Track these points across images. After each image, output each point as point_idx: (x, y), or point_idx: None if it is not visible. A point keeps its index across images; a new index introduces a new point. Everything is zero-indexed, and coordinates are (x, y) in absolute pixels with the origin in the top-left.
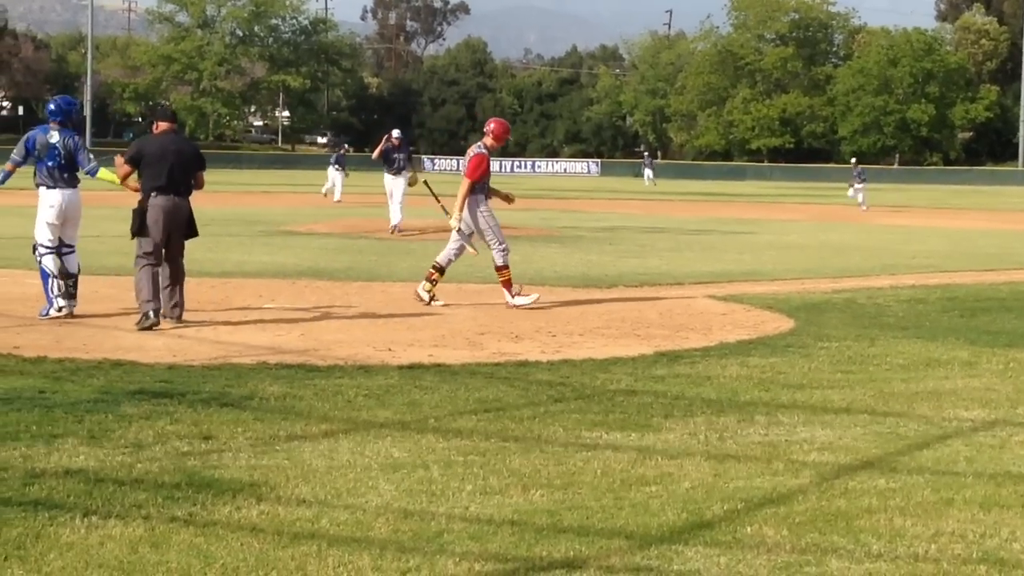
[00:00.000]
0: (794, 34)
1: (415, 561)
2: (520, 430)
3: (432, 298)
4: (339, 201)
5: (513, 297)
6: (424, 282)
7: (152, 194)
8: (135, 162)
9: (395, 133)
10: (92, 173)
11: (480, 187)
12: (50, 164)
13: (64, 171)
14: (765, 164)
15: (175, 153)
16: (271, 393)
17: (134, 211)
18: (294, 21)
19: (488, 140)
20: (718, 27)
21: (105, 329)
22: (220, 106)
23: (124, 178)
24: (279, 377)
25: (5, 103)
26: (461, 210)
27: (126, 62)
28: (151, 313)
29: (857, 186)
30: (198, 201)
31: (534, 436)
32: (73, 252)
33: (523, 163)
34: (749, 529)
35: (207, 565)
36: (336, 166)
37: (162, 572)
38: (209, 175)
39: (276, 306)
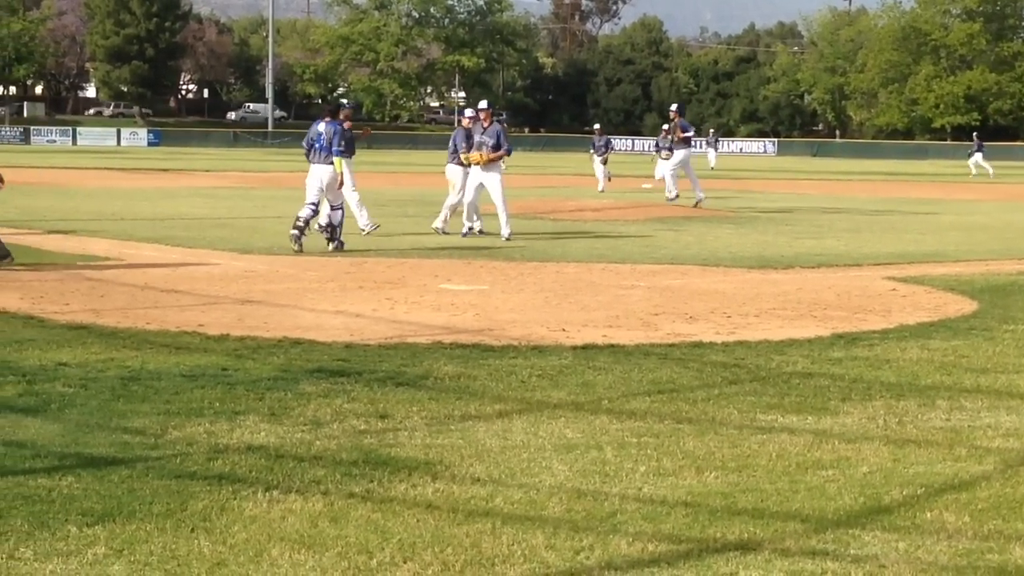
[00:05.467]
0: (981, 9)
1: (588, 540)
2: (694, 412)
3: None
4: None
5: None
6: None
7: None
8: None
9: (481, 104)
10: (336, 152)
11: None
12: (317, 146)
13: (323, 151)
14: (949, 143)
15: None
16: (446, 373)
17: None
18: (469, 2)
19: None
20: (901, 2)
21: (285, 308)
22: (396, 87)
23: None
24: (454, 357)
25: (191, 86)
26: None
27: (305, 44)
28: None
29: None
30: (376, 183)
31: (708, 418)
32: (335, 209)
33: (698, 143)
34: (929, 515)
35: (384, 540)
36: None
37: (341, 546)
38: (384, 156)
39: (452, 286)
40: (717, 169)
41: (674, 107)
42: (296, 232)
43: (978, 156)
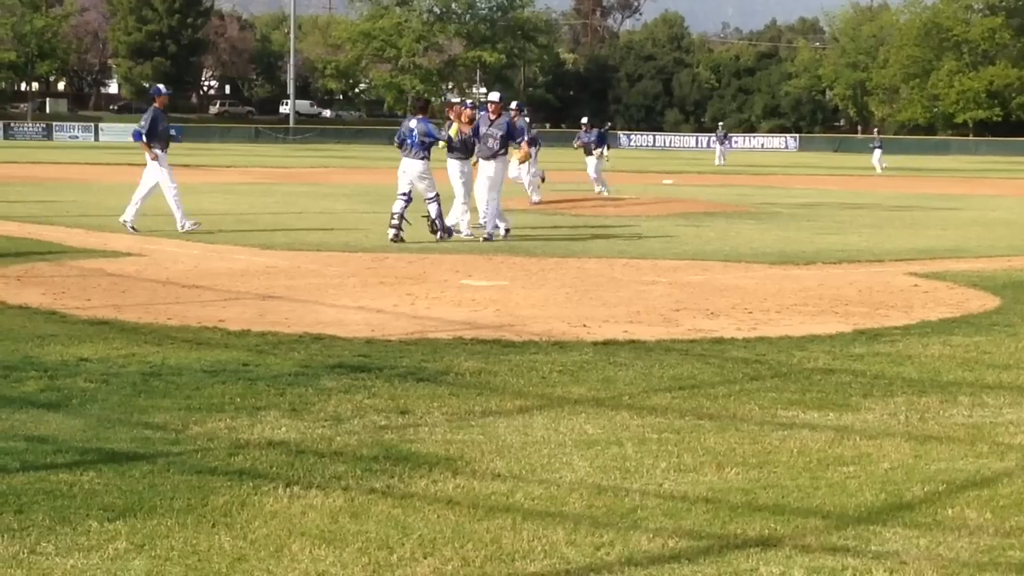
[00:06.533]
0: (1003, 3)
1: (609, 536)
2: (715, 408)
3: None
4: None
5: None
6: None
7: None
8: None
9: (492, 96)
10: (442, 138)
11: None
12: (408, 142)
13: (415, 146)
14: (971, 138)
15: None
16: (466, 368)
17: None
18: None
19: None
20: None
21: (306, 304)
22: (418, 83)
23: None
24: (475, 352)
25: (212, 82)
26: None
27: (327, 40)
28: None
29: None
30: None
31: (729, 414)
32: (431, 202)
33: (707, 139)
34: (951, 511)
35: (405, 536)
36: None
37: (361, 542)
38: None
39: (472, 282)
40: (727, 166)
41: (514, 105)
42: (393, 230)
43: (877, 153)
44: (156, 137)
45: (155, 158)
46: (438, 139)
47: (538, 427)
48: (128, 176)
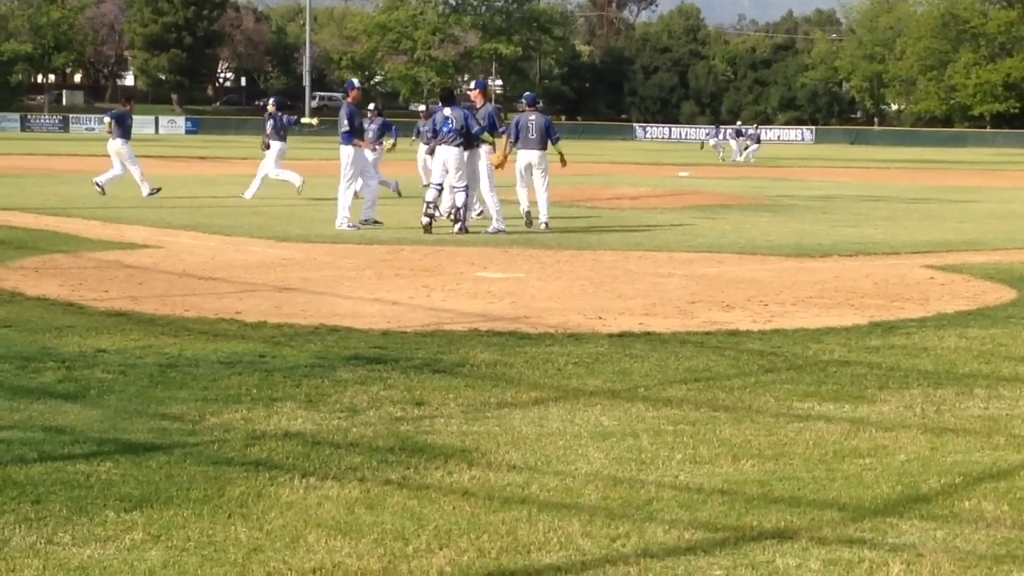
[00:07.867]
0: None
1: (624, 528)
2: (731, 400)
3: None
4: None
5: None
6: None
7: None
8: None
9: (472, 85)
10: (480, 132)
11: None
12: (445, 130)
13: (450, 132)
14: (988, 130)
15: None
16: (482, 360)
17: None
18: None
19: None
20: None
21: (322, 295)
22: (434, 75)
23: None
24: (490, 344)
25: (228, 74)
26: None
27: (343, 32)
28: None
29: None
30: (413, 170)
31: (745, 406)
32: (459, 191)
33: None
34: (967, 504)
35: (420, 527)
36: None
37: (377, 533)
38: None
39: (488, 274)
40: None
41: (272, 101)
42: (427, 219)
43: (736, 140)
44: (354, 132)
45: (373, 149)
46: (477, 132)
47: (554, 419)
48: (145, 168)
